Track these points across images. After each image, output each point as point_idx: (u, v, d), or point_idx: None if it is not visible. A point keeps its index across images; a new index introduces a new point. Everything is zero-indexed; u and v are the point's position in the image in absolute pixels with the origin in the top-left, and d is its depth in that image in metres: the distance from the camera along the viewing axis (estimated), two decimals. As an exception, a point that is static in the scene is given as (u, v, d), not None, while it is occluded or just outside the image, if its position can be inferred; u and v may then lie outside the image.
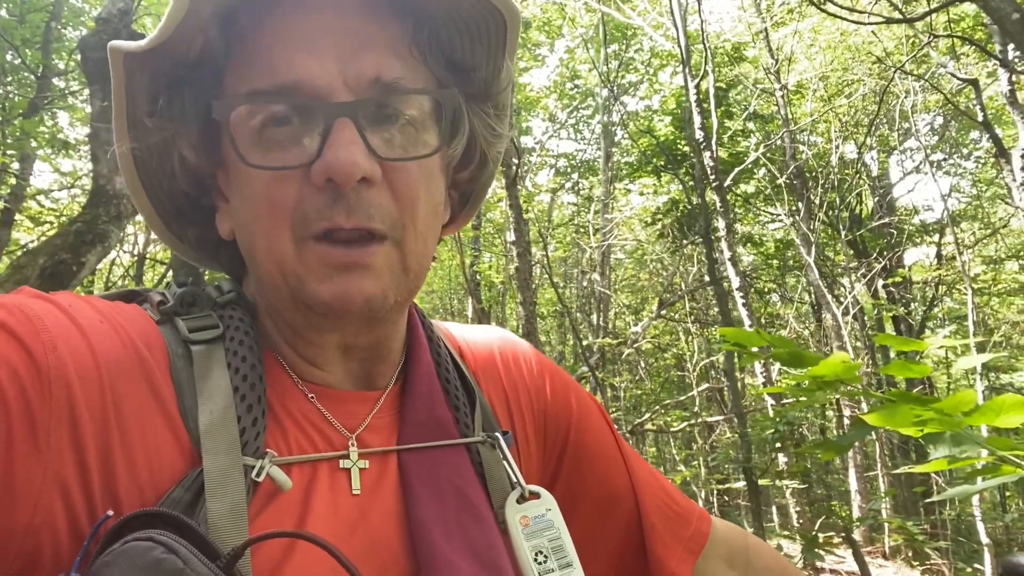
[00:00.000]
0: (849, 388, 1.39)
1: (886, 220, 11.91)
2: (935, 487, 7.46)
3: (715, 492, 10.00)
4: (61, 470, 0.50)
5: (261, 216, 0.61)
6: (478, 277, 11.06)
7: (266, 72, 0.60)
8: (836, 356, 1.34)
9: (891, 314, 11.50)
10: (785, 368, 1.53)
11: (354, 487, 0.63)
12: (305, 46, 0.60)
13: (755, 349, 1.44)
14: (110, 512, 0.50)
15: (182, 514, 0.50)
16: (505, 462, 0.71)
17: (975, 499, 6.87)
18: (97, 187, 2.96)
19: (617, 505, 0.82)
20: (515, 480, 0.70)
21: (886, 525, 7.60)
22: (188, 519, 0.50)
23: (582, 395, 0.87)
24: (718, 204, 6.42)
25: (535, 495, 0.70)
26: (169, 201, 0.69)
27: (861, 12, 5.81)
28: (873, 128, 11.18)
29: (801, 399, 1.39)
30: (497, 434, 0.72)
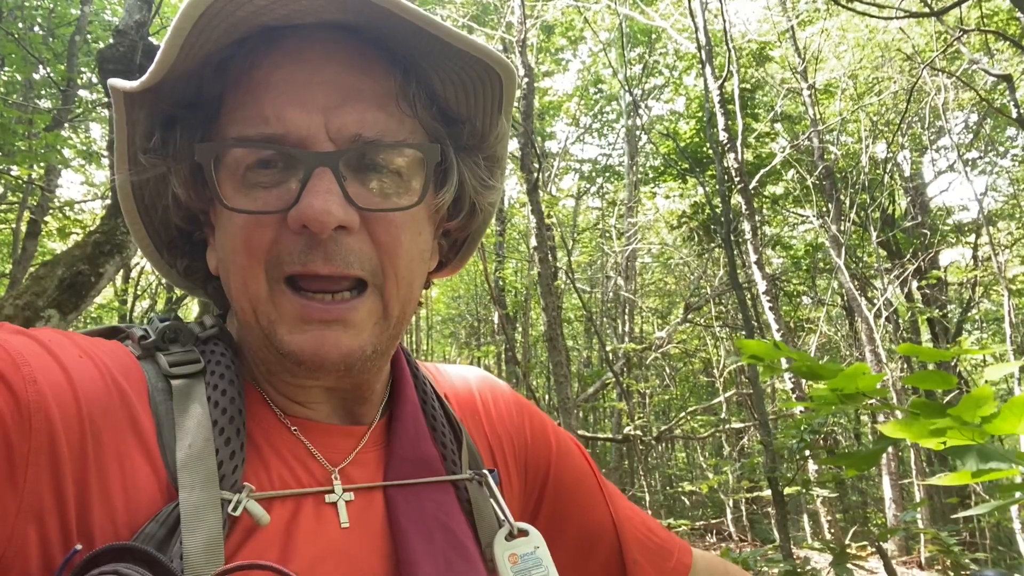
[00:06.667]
0: (871, 402, 1.33)
1: (919, 220, 11.64)
2: (973, 496, 7.25)
3: (744, 500, 9.83)
4: (37, 504, 0.50)
5: (238, 254, 0.63)
6: (502, 283, 11.03)
7: (256, 120, 0.61)
8: (856, 367, 1.29)
9: (925, 317, 11.22)
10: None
11: (342, 520, 0.62)
12: (295, 97, 0.61)
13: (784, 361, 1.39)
14: (79, 546, 0.50)
15: (155, 549, 0.51)
16: (493, 500, 0.71)
17: (1013, 509, 6.67)
18: (116, 198, 2.98)
19: (599, 541, 0.83)
20: (503, 517, 0.70)
21: (922, 536, 7.41)
22: (158, 554, 0.50)
23: (560, 433, 0.88)
24: (743, 207, 6.29)
25: (523, 532, 0.70)
26: (163, 231, 0.72)
27: (888, 7, 5.67)
28: (904, 127, 10.94)
29: (825, 409, 1.35)
30: (485, 471, 0.73)
